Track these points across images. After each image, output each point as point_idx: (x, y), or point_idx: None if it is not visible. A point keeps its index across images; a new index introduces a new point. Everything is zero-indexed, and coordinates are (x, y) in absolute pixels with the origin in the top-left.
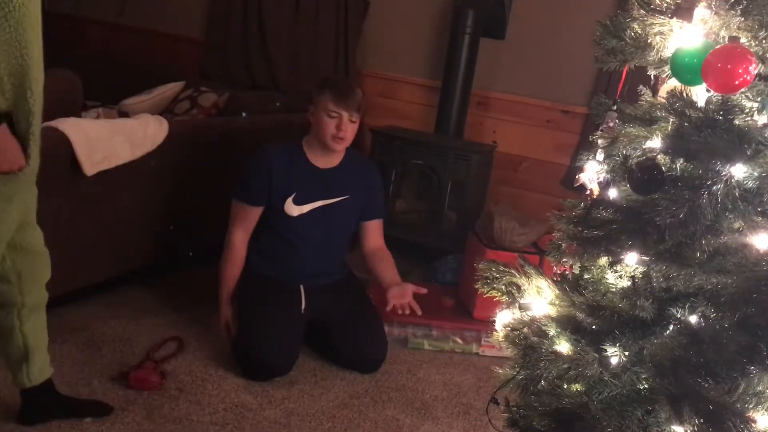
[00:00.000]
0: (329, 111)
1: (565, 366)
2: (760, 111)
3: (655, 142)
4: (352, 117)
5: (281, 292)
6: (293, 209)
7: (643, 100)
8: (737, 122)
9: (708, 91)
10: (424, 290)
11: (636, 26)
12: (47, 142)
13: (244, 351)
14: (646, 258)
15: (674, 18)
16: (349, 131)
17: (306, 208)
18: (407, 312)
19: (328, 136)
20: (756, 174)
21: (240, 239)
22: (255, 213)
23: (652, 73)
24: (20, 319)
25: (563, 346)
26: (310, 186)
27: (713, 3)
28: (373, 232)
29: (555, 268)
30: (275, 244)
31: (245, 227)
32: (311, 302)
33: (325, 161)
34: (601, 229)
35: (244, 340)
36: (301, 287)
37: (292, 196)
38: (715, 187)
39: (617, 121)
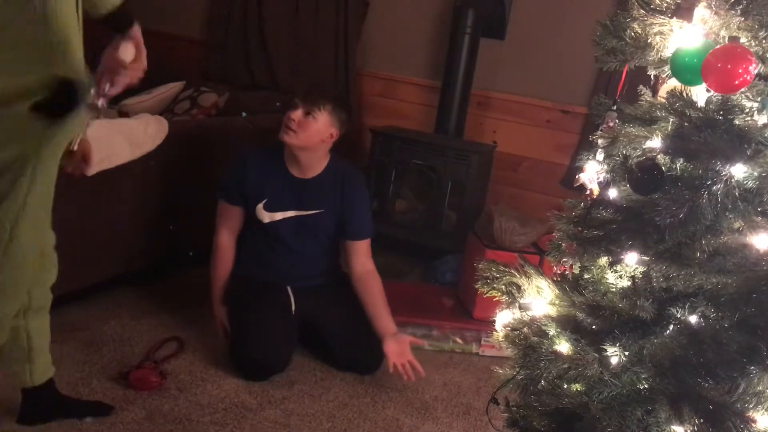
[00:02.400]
0: (291, 103)
1: (565, 366)
2: (760, 111)
3: (655, 142)
4: (308, 109)
5: (271, 292)
6: (264, 215)
7: (643, 100)
8: (737, 122)
9: (708, 91)
10: (421, 341)
11: (636, 26)
12: None
13: (238, 351)
14: (646, 258)
15: (674, 18)
16: (300, 126)
17: (277, 216)
18: (412, 379)
19: (282, 125)
20: (756, 174)
21: (226, 238)
22: (236, 212)
23: (652, 73)
24: (26, 320)
25: (563, 346)
26: (283, 194)
27: (713, 3)
28: (359, 253)
29: (555, 268)
30: (258, 246)
31: (230, 226)
32: (301, 303)
33: (301, 170)
34: (601, 229)
35: (238, 340)
36: (289, 289)
37: (263, 201)
38: (715, 187)
39: (617, 121)
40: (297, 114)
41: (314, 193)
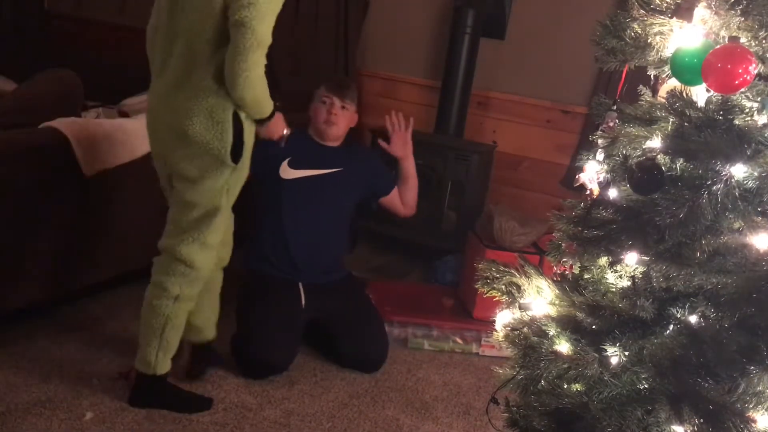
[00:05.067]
0: (322, 97)
1: (565, 366)
2: (760, 111)
3: (655, 142)
4: (343, 103)
5: (280, 290)
6: (288, 172)
7: (643, 100)
8: (737, 122)
9: (708, 91)
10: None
11: (636, 26)
12: (47, 142)
13: (241, 348)
14: (646, 258)
15: (674, 18)
16: (341, 118)
17: (299, 173)
18: (400, 122)
19: (320, 121)
20: (756, 174)
21: None
22: None
23: (652, 73)
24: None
25: (563, 346)
26: (306, 154)
27: (713, 3)
28: (396, 202)
29: (555, 268)
30: (270, 234)
31: None
32: (311, 300)
33: (325, 142)
34: (601, 229)
35: (242, 338)
36: (300, 285)
37: (288, 159)
38: (715, 187)
39: (617, 121)
40: (337, 108)
41: (335, 155)
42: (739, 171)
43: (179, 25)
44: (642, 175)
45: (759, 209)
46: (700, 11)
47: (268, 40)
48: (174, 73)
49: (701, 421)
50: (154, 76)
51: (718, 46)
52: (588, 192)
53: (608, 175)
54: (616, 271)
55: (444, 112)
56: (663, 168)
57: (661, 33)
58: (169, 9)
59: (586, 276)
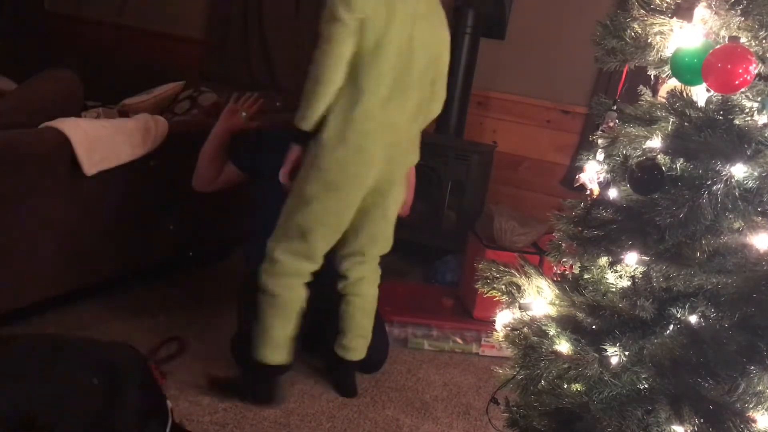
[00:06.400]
0: None
1: (565, 366)
2: (760, 111)
3: (655, 142)
4: None
5: None
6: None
7: (643, 100)
8: (737, 122)
9: (708, 91)
10: None
11: (636, 26)
12: (47, 141)
13: (241, 349)
14: (646, 258)
15: (674, 18)
16: None
17: None
18: None
19: None
20: (756, 174)
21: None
22: (235, 173)
23: (652, 73)
24: None
25: (563, 346)
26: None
27: (713, 3)
28: None
29: (555, 268)
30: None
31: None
32: (311, 300)
33: None
34: (601, 229)
35: (242, 339)
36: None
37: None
38: (715, 187)
39: (617, 121)
40: None
41: None
42: (739, 171)
43: (419, 72)
44: (642, 175)
45: (759, 209)
46: (700, 11)
47: None
48: (414, 102)
49: (701, 421)
50: (381, 105)
51: (718, 46)
52: (588, 192)
53: (608, 175)
54: (616, 271)
55: (444, 112)
56: (663, 168)
57: (661, 33)
58: (408, 58)
59: (586, 276)
